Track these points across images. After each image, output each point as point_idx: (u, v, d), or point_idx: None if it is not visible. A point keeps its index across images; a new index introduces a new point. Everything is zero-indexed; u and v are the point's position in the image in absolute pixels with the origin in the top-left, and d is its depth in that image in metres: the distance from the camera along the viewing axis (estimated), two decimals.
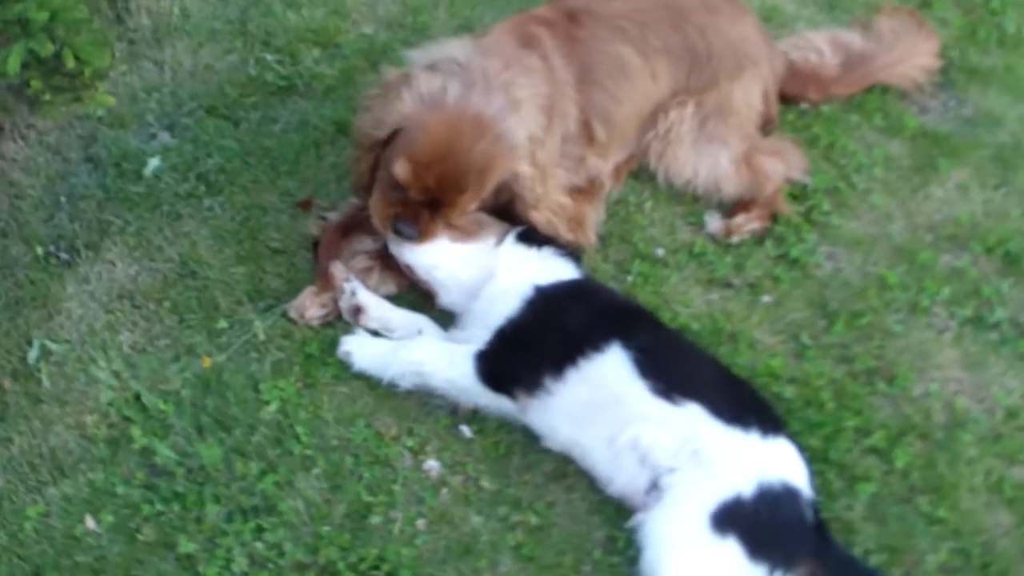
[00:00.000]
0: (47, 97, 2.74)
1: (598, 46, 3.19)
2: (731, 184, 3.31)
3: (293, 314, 3.00)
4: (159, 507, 2.69)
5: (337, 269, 3.01)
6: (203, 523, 2.66)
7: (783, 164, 3.34)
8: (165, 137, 3.50)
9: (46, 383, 2.92)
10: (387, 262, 3.07)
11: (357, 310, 2.97)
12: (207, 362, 2.93)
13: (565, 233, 3.04)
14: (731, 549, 2.45)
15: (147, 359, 2.96)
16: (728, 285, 3.16)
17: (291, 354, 2.95)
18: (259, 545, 2.63)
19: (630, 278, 3.15)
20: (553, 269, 2.89)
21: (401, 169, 2.74)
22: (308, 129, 3.48)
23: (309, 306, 3.00)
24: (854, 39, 3.69)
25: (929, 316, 3.12)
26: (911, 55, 3.67)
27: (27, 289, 3.11)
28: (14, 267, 3.17)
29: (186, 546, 2.62)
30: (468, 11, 3.89)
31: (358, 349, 2.91)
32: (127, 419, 2.85)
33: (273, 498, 2.70)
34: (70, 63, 2.67)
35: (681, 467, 2.56)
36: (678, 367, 2.71)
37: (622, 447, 2.63)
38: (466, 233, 2.91)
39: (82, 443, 2.82)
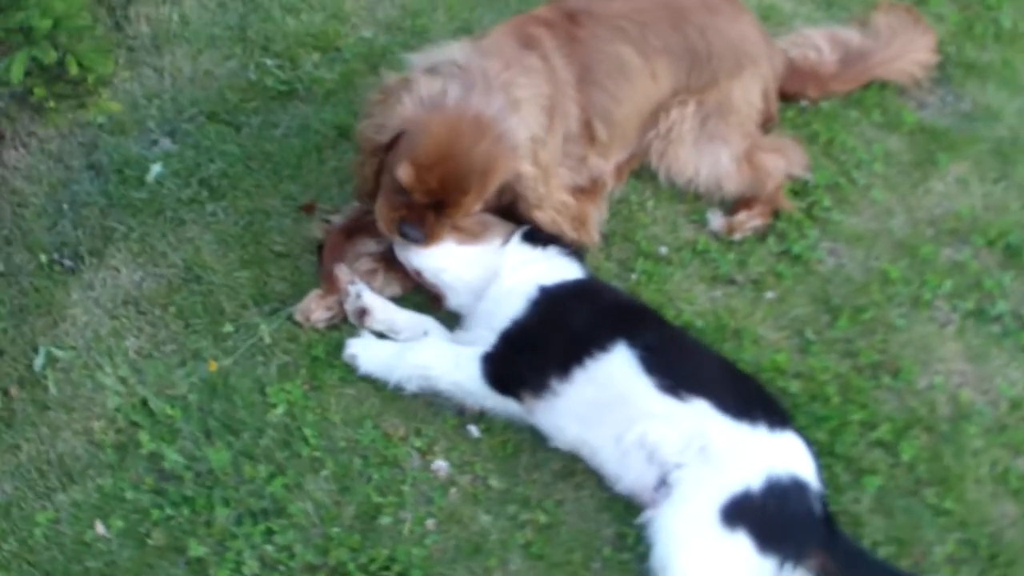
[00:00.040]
0: (51, 104, 2.75)
1: (598, 46, 3.20)
2: (732, 182, 3.32)
3: (299, 317, 3.01)
4: (168, 511, 2.69)
5: (342, 272, 3.01)
6: (213, 526, 2.66)
7: (784, 161, 3.35)
8: (166, 143, 3.50)
9: (53, 390, 2.93)
10: (391, 264, 3.08)
11: (362, 312, 2.98)
12: (213, 366, 2.94)
13: (569, 232, 3.05)
14: (741, 543, 2.46)
15: (153, 364, 2.96)
16: (731, 282, 3.18)
17: (297, 357, 2.96)
18: (269, 547, 2.63)
19: (634, 276, 3.16)
20: (558, 269, 2.90)
21: (404, 172, 2.75)
22: (309, 133, 3.49)
23: (314, 309, 3.00)
24: (852, 36, 3.72)
25: (931, 310, 3.14)
26: (908, 51, 3.68)
27: (32, 296, 3.12)
28: (18, 275, 3.17)
29: (196, 550, 2.62)
30: (467, 13, 3.91)
31: (364, 352, 2.92)
32: (134, 424, 2.86)
33: (282, 500, 2.70)
34: (73, 70, 2.68)
35: (689, 463, 2.57)
36: (684, 364, 2.72)
37: (630, 445, 2.64)
38: (472, 235, 2.92)
39: (90, 449, 2.82)
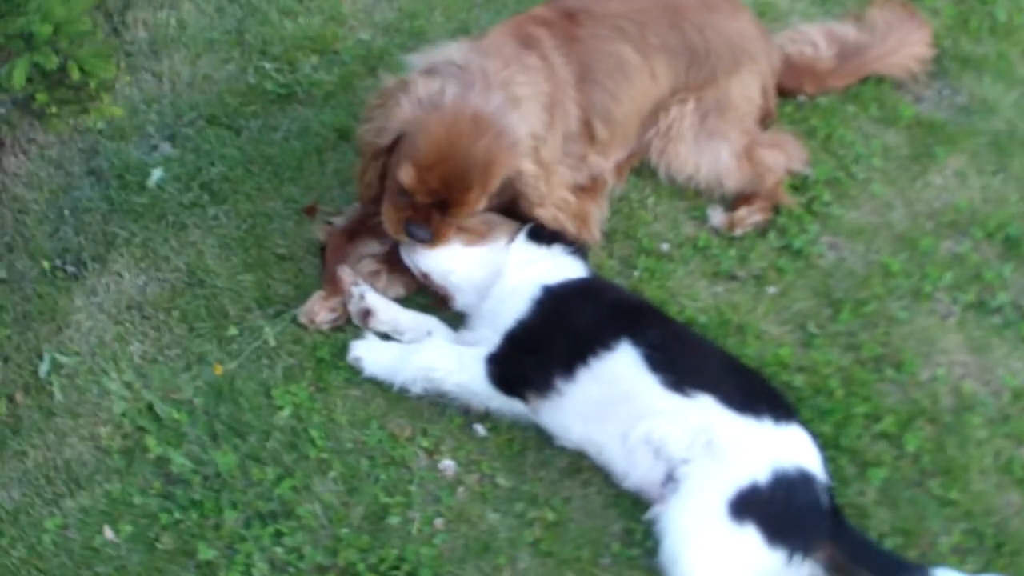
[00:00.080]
0: (52, 110, 2.74)
1: (597, 45, 3.21)
2: (732, 178, 3.33)
3: (303, 319, 3.01)
4: (177, 515, 2.70)
5: (345, 273, 3.02)
6: (222, 530, 2.67)
7: (783, 156, 3.37)
8: (167, 148, 3.51)
9: (58, 396, 2.93)
10: (394, 265, 3.08)
11: (366, 313, 2.99)
12: (218, 370, 2.94)
13: (571, 229, 3.06)
14: (750, 536, 2.47)
15: (158, 369, 2.97)
16: (733, 278, 3.19)
17: (302, 359, 2.96)
18: (278, 550, 2.64)
19: (636, 273, 3.17)
20: (561, 268, 2.90)
21: (405, 174, 2.76)
22: (309, 136, 3.50)
23: (318, 311, 3.01)
24: (848, 31, 3.73)
25: (932, 302, 3.15)
26: (904, 45, 3.70)
27: (35, 303, 3.12)
28: (21, 281, 3.17)
29: (206, 553, 2.63)
30: (464, 14, 3.91)
31: (368, 354, 2.93)
32: (141, 429, 2.86)
33: (290, 502, 2.71)
34: (75, 75, 2.67)
35: (696, 458, 2.58)
36: (688, 360, 2.73)
37: (636, 442, 2.65)
38: (478, 235, 2.93)
39: (97, 454, 2.83)
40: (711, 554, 2.49)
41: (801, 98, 3.63)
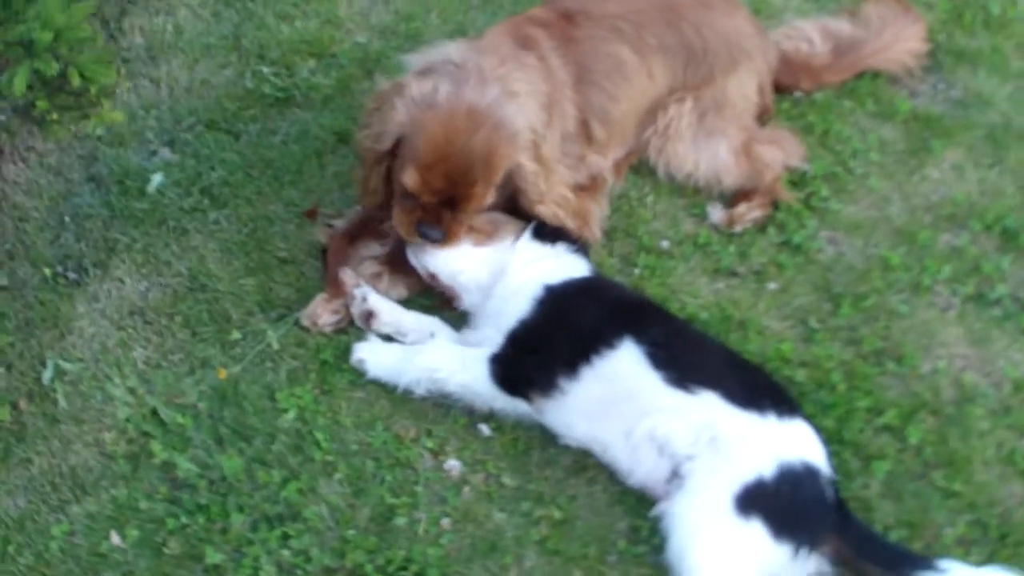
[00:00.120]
0: (53, 116, 2.75)
1: (595, 46, 3.22)
2: (731, 175, 3.35)
3: (306, 322, 3.02)
4: (184, 520, 2.70)
5: (347, 275, 3.03)
6: (229, 533, 2.67)
7: (781, 152, 3.38)
8: (166, 153, 3.51)
9: (62, 402, 2.93)
10: (396, 267, 3.09)
11: (369, 315, 2.99)
12: (222, 374, 2.95)
13: (571, 227, 3.06)
14: (756, 531, 2.48)
15: (162, 374, 2.97)
16: (734, 274, 3.20)
17: (306, 362, 2.97)
18: (286, 552, 2.64)
19: (637, 271, 3.18)
20: (564, 267, 2.91)
21: (408, 177, 2.76)
22: (308, 139, 3.51)
23: (321, 313, 3.01)
24: (843, 27, 3.75)
25: (932, 295, 3.17)
26: (899, 40, 3.71)
27: (37, 310, 3.12)
28: (23, 289, 3.18)
29: (213, 557, 2.63)
30: (460, 16, 3.92)
31: (371, 357, 2.93)
32: (146, 434, 2.86)
33: (297, 505, 2.71)
34: (76, 81, 2.68)
35: (700, 454, 2.59)
36: (691, 357, 2.73)
37: (640, 439, 2.66)
38: (486, 235, 2.94)
39: (102, 460, 2.83)
40: (718, 549, 2.49)
41: (797, 94, 3.65)
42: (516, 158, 2.85)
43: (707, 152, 3.35)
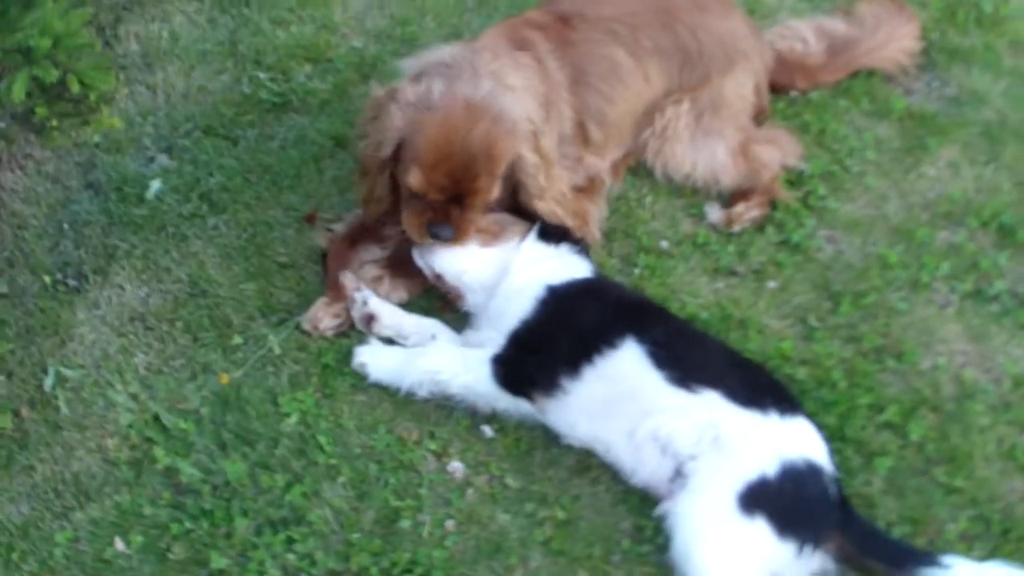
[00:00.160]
0: (53, 123, 2.74)
1: (591, 49, 3.24)
2: (729, 175, 3.36)
3: (307, 326, 3.02)
4: (188, 525, 2.70)
5: (347, 279, 3.03)
6: (233, 538, 2.67)
7: (779, 152, 3.39)
8: (164, 159, 3.51)
9: (64, 409, 2.93)
10: (396, 270, 3.10)
11: (369, 319, 3.00)
12: (224, 379, 2.95)
13: (570, 223, 3.06)
14: (760, 529, 2.48)
15: (164, 380, 2.97)
16: (733, 273, 3.21)
17: (308, 366, 2.97)
18: (291, 556, 2.64)
19: (636, 271, 3.19)
20: (567, 267, 2.92)
21: (413, 178, 2.77)
22: (306, 144, 3.51)
23: (322, 317, 3.02)
24: (837, 26, 3.77)
25: (931, 292, 3.18)
26: (893, 39, 3.73)
27: (38, 318, 3.12)
28: (23, 296, 3.17)
29: (218, 562, 2.63)
30: (455, 19, 3.93)
31: (373, 360, 2.94)
32: (148, 440, 2.86)
33: (301, 509, 2.71)
34: (75, 88, 2.67)
35: (703, 453, 2.59)
36: (692, 356, 2.74)
37: (643, 439, 2.67)
38: (492, 235, 2.94)
39: (105, 466, 2.83)
40: (722, 548, 2.50)
41: (793, 94, 3.67)
42: (517, 149, 2.85)
43: (705, 153, 3.37)
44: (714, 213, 3.33)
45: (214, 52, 3.83)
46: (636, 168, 3.42)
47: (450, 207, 2.82)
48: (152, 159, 3.52)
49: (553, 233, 2.97)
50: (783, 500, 2.51)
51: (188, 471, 2.78)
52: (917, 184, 3.45)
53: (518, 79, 2.93)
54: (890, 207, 3.38)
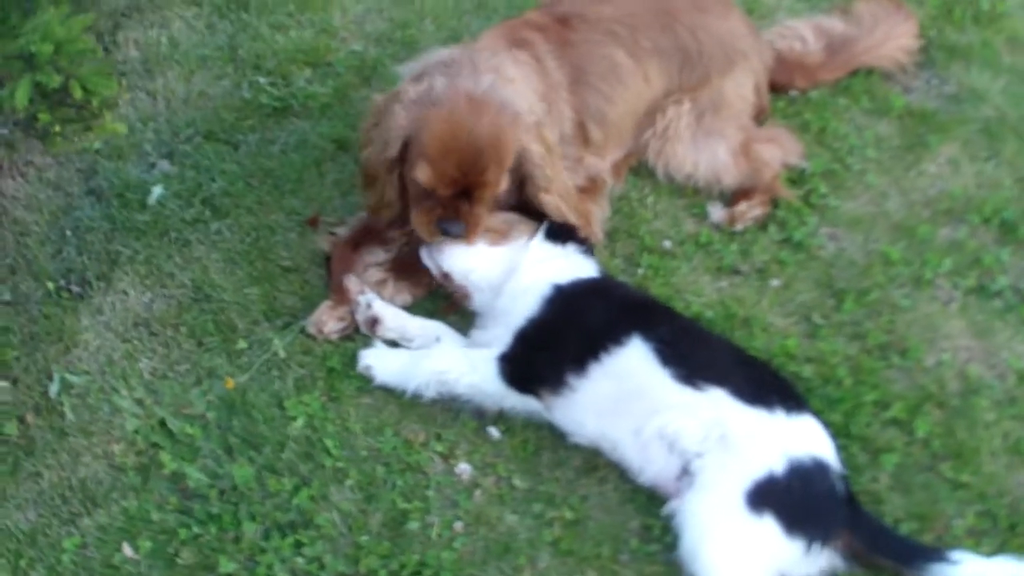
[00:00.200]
0: (56, 129, 2.74)
1: (590, 50, 3.24)
2: (730, 174, 3.37)
3: (312, 329, 3.02)
4: (196, 530, 2.69)
5: (351, 282, 3.03)
6: (241, 542, 2.67)
7: (780, 150, 3.41)
8: (165, 165, 3.51)
9: (70, 415, 2.92)
10: (400, 273, 3.10)
11: (374, 322, 3.00)
12: (230, 383, 2.94)
13: (573, 218, 3.06)
14: (768, 526, 2.49)
15: (169, 385, 2.97)
16: (736, 272, 3.22)
17: (313, 369, 2.97)
18: (299, 560, 2.64)
19: (640, 271, 3.20)
20: (573, 267, 2.93)
21: (421, 173, 2.77)
22: (308, 148, 3.51)
23: (327, 320, 3.01)
24: (835, 25, 3.79)
25: (934, 288, 3.19)
26: (891, 37, 3.75)
27: (42, 324, 3.11)
28: (26, 303, 3.17)
29: (226, 566, 2.62)
30: (454, 22, 3.94)
31: (378, 363, 2.93)
32: (155, 445, 2.86)
33: (309, 512, 2.71)
34: (77, 94, 2.67)
35: (710, 451, 2.60)
36: (698, 354, 2.74)
37: (650, 437, 2.67)
38: (500, 234, 2.95)
39: (111, 472, 2.82)
40: (731, 546, 2.50)
41: (793, 93, 3.69)
42: (522, 140, 2.85)
43: (706, 152, 3.38)
44: (716, 212, 3.34)
45: (214, 57, 3.84)
46: (638, 168, 3.43)
47: (459, 202, 2.82)
48: (153, 165, 3.52)
49: (560, 233, 2.98)
50: (791, 498, 2.51)
51: (195, 476, 2.78)
52: (918, 181, 3.46)
53: (517, 74, 2.94)
54: (891, 204, 3.39)
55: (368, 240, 3.15)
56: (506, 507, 2.74)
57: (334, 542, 2.67)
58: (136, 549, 2.68)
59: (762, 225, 3.31)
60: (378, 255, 3.15)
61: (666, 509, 2.64)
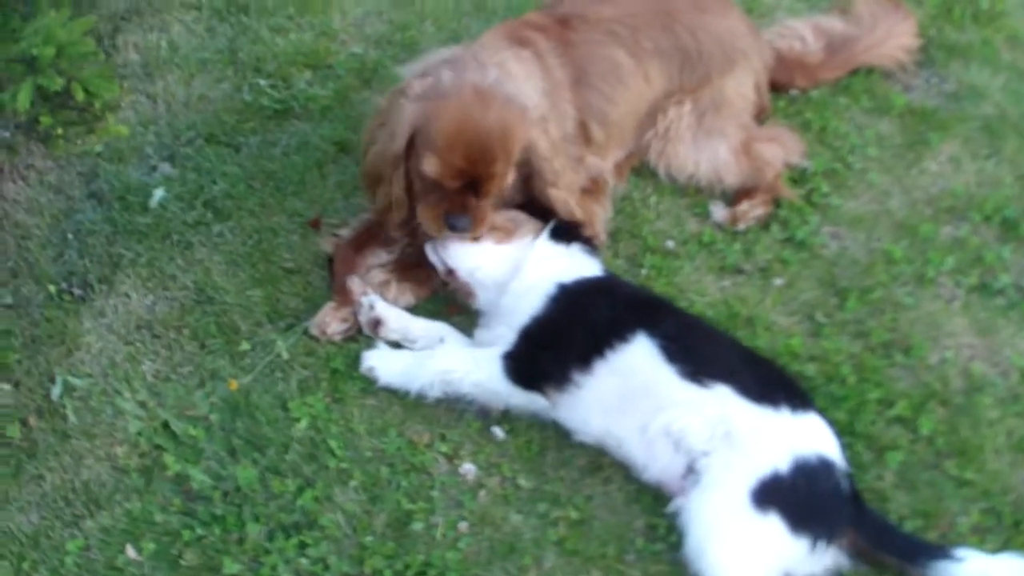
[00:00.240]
0: (58, 132, 2.74)
1: (591, 50, 3.25)
2: (732, 174, 3.37)
3: (315, 331, 3.02)
4: (199, 531, 2.68)
5: (354, 284, 3.03)
6: (245, 543, 2.66)
7: (781, 149, 3.41)
8: (166, 168, 3.51)
9: (72, 418, 2.92)
10: (404, 274, 3.10)
11: (376, 323, 2.99)
12: (233, 385, 2.94)
13: (580, 216, 3.06)
14: (773, 525, 2.48)
15: (172, 387, 2.96)
16: (739, 271, 3.22)
17: (316, 371, 2.97)
18: (304, 561, 2.63)
19: (643, 271, 3.19)
20: (578, 266, 2.93)
21: (429, 164, 2.76)
22: (309, 150, 3.51)
23: (330, 322, 3.01)
24: (835, 24, 3.79)
25: (936, 286, 3.19)
26: (891, 36, 3.76)
27: (43, 327, 3.10)
28: (28, 306, 3.16)
29: (231, 567, 2.62)
30: (454, 24, 3.95)
31: (381, 364, 2.93)
32: (158, 447, 2.85)
33: (313, 513, 2.70)
34: (79, 96, 2.67)
35: (716, 449, 2.59)
36: (704, 350, 2.74)
37: (655, 434, 2.67)
38: (506, 232, 2.95)
39: (115, 474, 2.81)
40: (736, 545, 2.50)
41: (793, 92, 3.69)
42: (529, 133, 2.85)
43: (707, 152, 3.38)
44: (719, 212, 3.34)
45: (214, 60, 3.84)
46: (640, 169, 3.43)
47: (466, 196, 2.81)
48: (154, 168, 3.51)
49: (565, 233, 2.98)
50: (796, 496, 2.51)
51: (199, 477, 2.77)
52: (919, 179, 3.46)
53: (521, 71, 2.94)
54: (893, 203, 3.39)
55: (371, 241, 3.15)
56: (511, 507, 2.73)
57: (338, 543, 2.67)
58: (140, 551, 2.67)
59: (764, 224, 3.31)
60: (381, 256, 3.14)
61: (671, 507, 2.64)
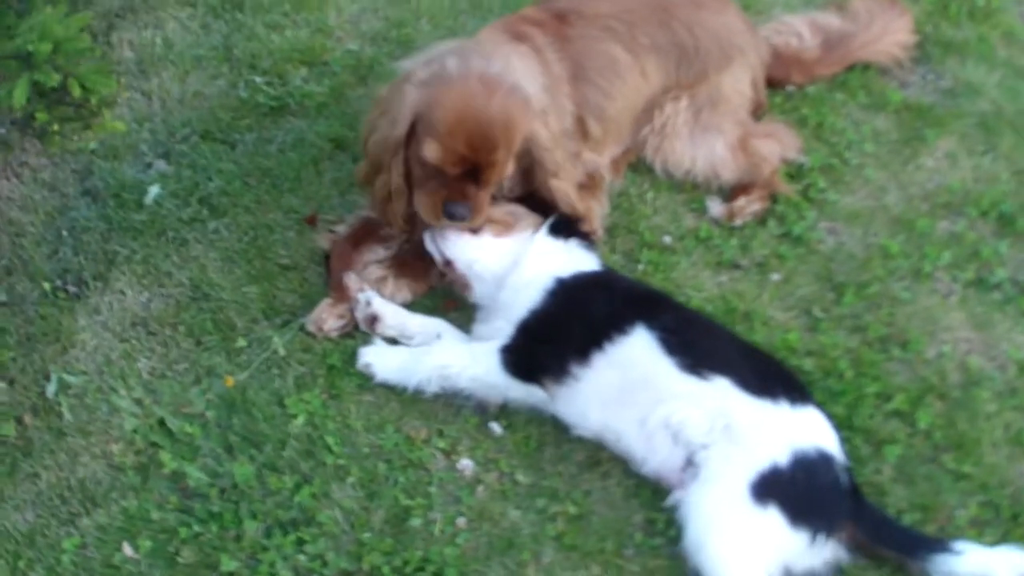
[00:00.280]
0: (55, 128, 2.73)
1: (588, 45, 3.24)
2: (729, 169, 3.37)
3: (311, 327, 3.01)
4: (196, 528, 2.67)
5: (351, 280, 3.02)
6: (243, 540, 2.65)
7: (778, 145, 3.41)
8: (161, 165, 3.49)
9: (67, 416, 2.90)
10: (400, 270, 3.09)
11: (373, 319, 2.98)
12: (230, 382, 2.93)
13: (580, 208, 3.06)
14: (773, 518, 2.48)
15: (168, 384, 2.95)
16: (736, 266, 3.22)
17: (313, 367, 2.96)
18: (301, 557, 2.62)
19: (640, 267, 3.19)
20: (576, 261, 2.92)
21: (429, 151, 2.74)
22: (305, 146, 3.50)
23: (326, 318, 3.00)
24: (831, 20, 3.80)
25: (933, 281, 3.19)
26: (887, 32, 3.76)
27: (38, 325, 3.09)
28: (23, 304, 3.15)
29: (228, 564, 2.60)
30: (450, 21, 3.94)
31: (378, 360, 2.92)
32: (154, 445, 2.84)
33: (311, 510, 2.69)
34: (76, 92, 2.66)
35: (715, 443, 2.59)
36: (703, 343, 2.74)
37: (654, 427, 2.66)
38: (505, 226, 2.94)
39: (111, 472, 2.80)
40: (736, 538, 2.49)
41: (790, 88, 3.69)
42: (532, 124, 2.84)
43: (704, 148, 3.38)
44: (715, 207, 3.34)
45: (209, 57, 3.83)
46: (636, 164, 3.43)
47: (466, 184, 2.79)
48: (150, 165, 3.50)
49: (564, 227, 2.97)
50: (795, 489, 2.51)
51: (195, 475, 2.76)
52: (916, 175, 3.46)
53: (521, 65, 2.94)
54: (890, 198, 3.39)
55: (368, 238, 3.14)
56: (509, 502, 2.73)
57: (336, 539, 2.66)
58: (136, 548, 2.66)
59: (761, 220, 3.31)
60: (377, 252, 3.13)
61: (670, 500, 2.64)
